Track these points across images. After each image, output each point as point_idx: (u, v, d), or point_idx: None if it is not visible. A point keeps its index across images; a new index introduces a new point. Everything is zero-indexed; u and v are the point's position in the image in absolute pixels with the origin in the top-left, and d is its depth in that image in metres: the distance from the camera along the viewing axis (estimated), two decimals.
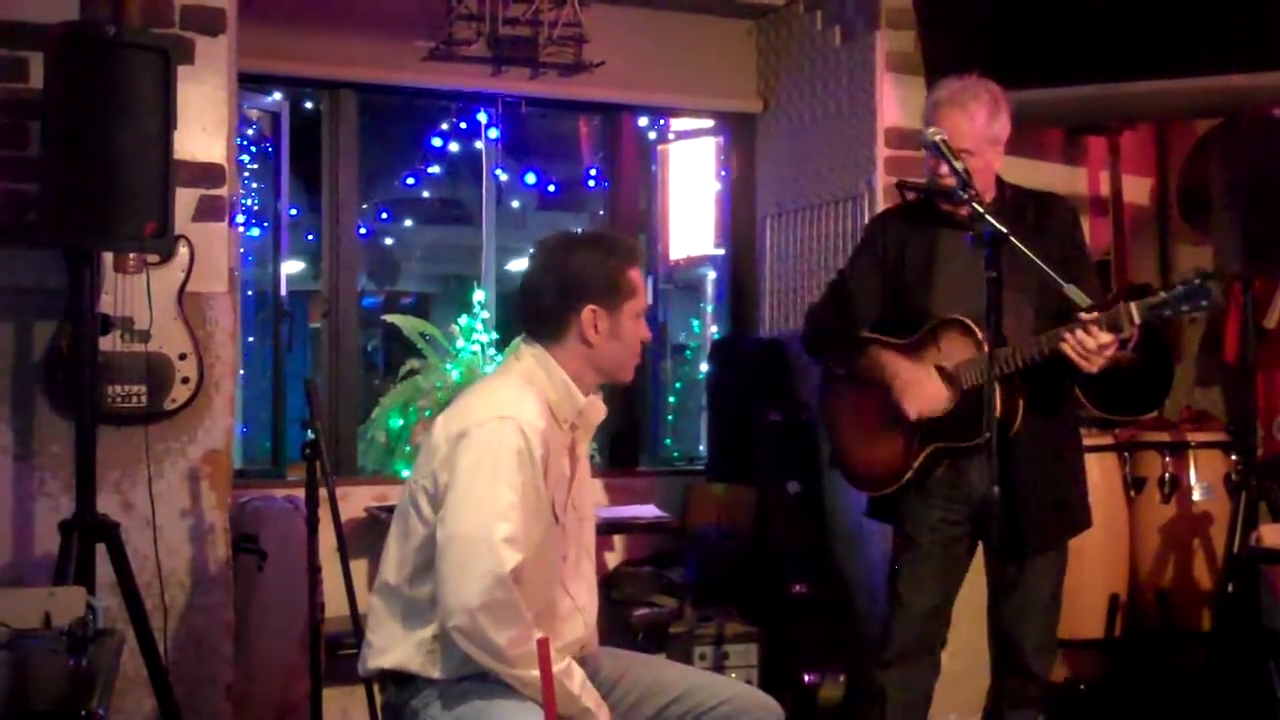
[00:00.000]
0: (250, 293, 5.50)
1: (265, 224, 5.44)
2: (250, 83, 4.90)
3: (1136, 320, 3.31)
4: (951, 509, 3.64)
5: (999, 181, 3.74)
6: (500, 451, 2.72)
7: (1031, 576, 3.62)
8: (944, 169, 3.38)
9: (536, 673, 2.60)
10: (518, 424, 2.74)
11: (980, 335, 3.48)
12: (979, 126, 3.59)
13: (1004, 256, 3.28)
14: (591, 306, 2.87)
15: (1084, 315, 3.32)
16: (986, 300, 3.22)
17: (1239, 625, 4.11)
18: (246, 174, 5.51)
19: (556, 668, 2.68)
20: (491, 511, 2.67)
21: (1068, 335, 3.34)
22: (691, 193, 6.13)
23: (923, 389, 3.57)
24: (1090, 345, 3.33)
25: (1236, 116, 4.56)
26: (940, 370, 3.58)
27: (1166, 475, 4.71)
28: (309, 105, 5.60)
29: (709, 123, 6.01)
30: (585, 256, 2.92)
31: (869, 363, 3.68)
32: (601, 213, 6.01)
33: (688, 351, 7.31)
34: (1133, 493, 4.76)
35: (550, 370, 2.89)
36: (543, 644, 2.36)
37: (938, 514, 3.65)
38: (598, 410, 3.02)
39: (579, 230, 5.39)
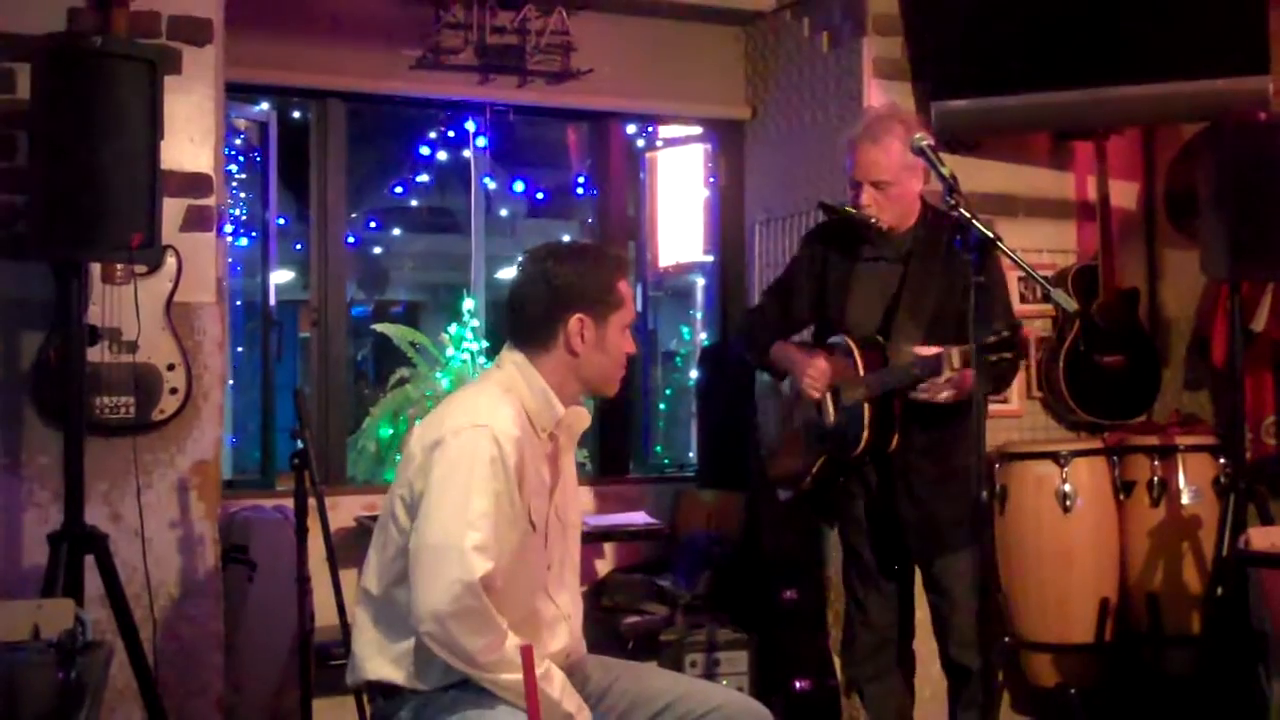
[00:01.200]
0: (239, 302, 5.51)
1: (254, 233, 5.45)
2: (238, 92, 4.90)
3: (956, 365, 3.52)
4: (871, 509, 3.87)
5: (923, 205, 3.87)
6: (474, 460, 2.71)
7: (946, 580, 3.78)
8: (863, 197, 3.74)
9: (512, 676, 2.63)
10: (491, 432, 2.74)
11: (859, 356, 3.73)
12: (894, 157, 3.73)
13: (907, 279, 3.75)
14: (579, 316, 2.87)
15: (923, 352, 3.60)
16: (880, 327, 3.74)
17: (1229, 628, 4.12)
18: (235, 184, 5.51)
19: (536, 672, 2.68)
20: (462, 520, 2.67)
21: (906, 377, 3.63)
22: (680, 200, 6.13)
23: (812, 364, 3.79)
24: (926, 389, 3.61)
25: (1222, 121, 4.57)
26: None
27: (1155, 479, 4.71)
28: (297, 115, 5.60)
29: (697, 130, 6.01)
30: (575, 266, 2.92)
31: (775, 356, 3.94)
32: (590, 220, 6.01)
33: (678, 358, 7.33)
34: (1122, 496, 4.76)
35: (530, 379, 2.89)
36: (526, 651, 2.36)
37: (861, 512, 3.87)
38: (580, 419, 3.02)
39: (568, 240, 5.40)
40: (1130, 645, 4.74)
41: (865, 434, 3.70)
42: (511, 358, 2.92)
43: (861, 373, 3.72)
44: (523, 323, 2.92)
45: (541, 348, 2.90)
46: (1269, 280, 4.69)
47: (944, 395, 3.61)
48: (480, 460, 2.71)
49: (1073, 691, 4.64)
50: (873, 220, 3.73)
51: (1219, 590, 4.24)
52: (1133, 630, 4.74)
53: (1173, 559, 4.65)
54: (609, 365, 2.93)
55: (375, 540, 2.89)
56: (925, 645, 4.01)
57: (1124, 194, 5.35)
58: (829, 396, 3.80)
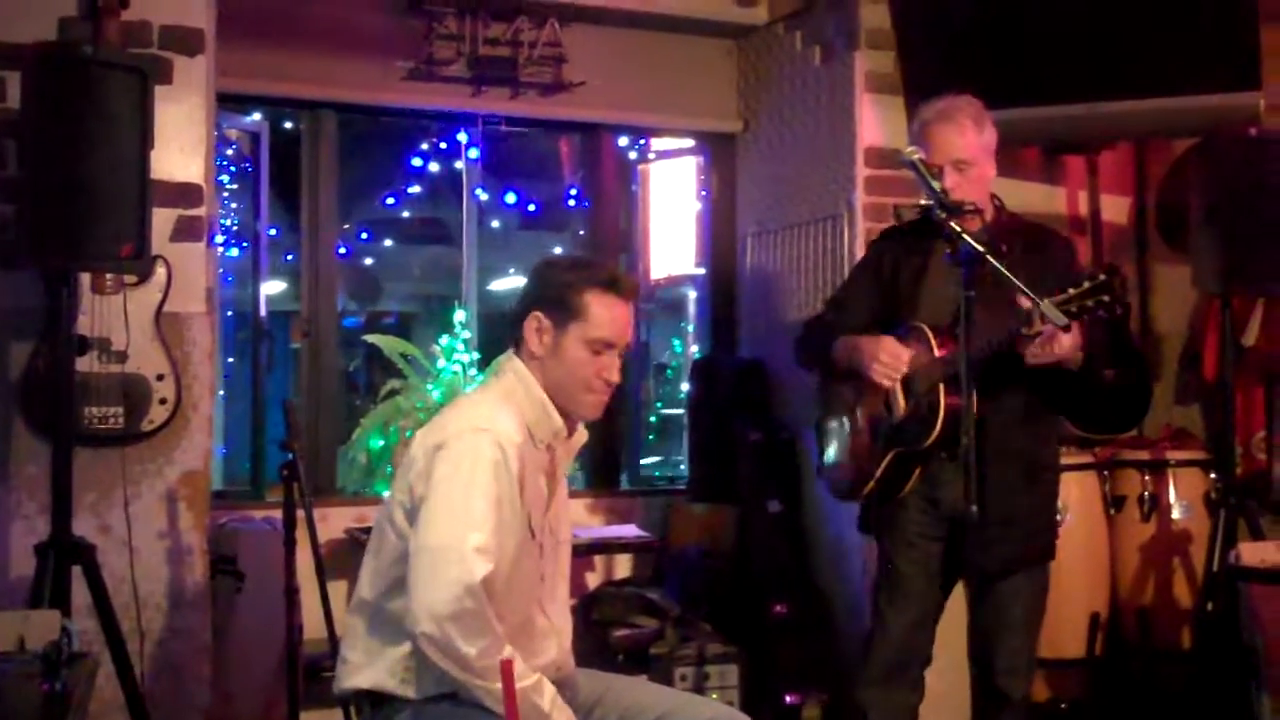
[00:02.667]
0: (230, 313, 5.50)
1: (245, 244, 5.44)
2: (230, 102, 4.90)
3: (1055, 314, 3.18)
4: (927, 524, 3.62)
5: (997, 204, 3.75)
6: (475, 463, 2.71)
7: (1002, 598, 3.56)
8: (948, 180, 3.42)
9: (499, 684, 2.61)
10: (494, 436, 2.74)
11: (934, 341, 3.51)
12: (970, 136, 3.60)
13: (985, 277, 3.25)
14: (536, 313, 2.88)
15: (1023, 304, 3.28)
16: (955, 317, 3.20)
17: (1219, 643, 4.11)
18: (226, 194, 5.51)
19: (526, 683, 2.68)
20: (464, 521, 2.67)
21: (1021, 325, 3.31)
22: (672, 212, 6.14)
23: (886, 351, 3.55)
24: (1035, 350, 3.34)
25: (1214, 136, 4.58)
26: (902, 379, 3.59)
27: (1146, 494, 4.72)
28: (289, 125, 5.60)
29: (689, 142, 6.02)
30: (549, 268, 2.97)
31: (839, 351, 3.70)
32: (582, 232, 6.01)
33: (669, 371, 7.31)
34: (1113, 511, 4.76)
35: (529, 388, 2.89)
36: (506, 665, 2.35)
37: (914, 529, 3.62)
38: (577, 436, 3.01)
39: (579, 253, 5.40)
40: (1121, 660, 4.74)
41: (940, 419, 3.45)
42: (513, 366, 2.92)
43: (937, 354, 3.50)
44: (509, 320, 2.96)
45: (517, 348, 2.91)
46: (1260, 295, 4.70)
47: (1045, 352, 3.32)
48: (482, 463, 2.71)
49: (1063, 706, 4.64)
50: (965, 204, 3.29)
51: (1209, 605, 4.23)
52: (1123, 645, 4.74)
53: (1163, 574, 4.65)
54: (568, 380, 2.88)
55: (371, 547, 2.88)
56: (948, 671, 3.85)
57: (1115, 209, 5.37)
58: (899, 386, 3.59)
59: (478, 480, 2.70)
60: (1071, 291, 3.26)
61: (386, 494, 2.92)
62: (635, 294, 3.00)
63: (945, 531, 3.61)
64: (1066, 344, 3.34)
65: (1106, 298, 3.20)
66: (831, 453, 3.83)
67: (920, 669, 3.70)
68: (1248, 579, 3.86)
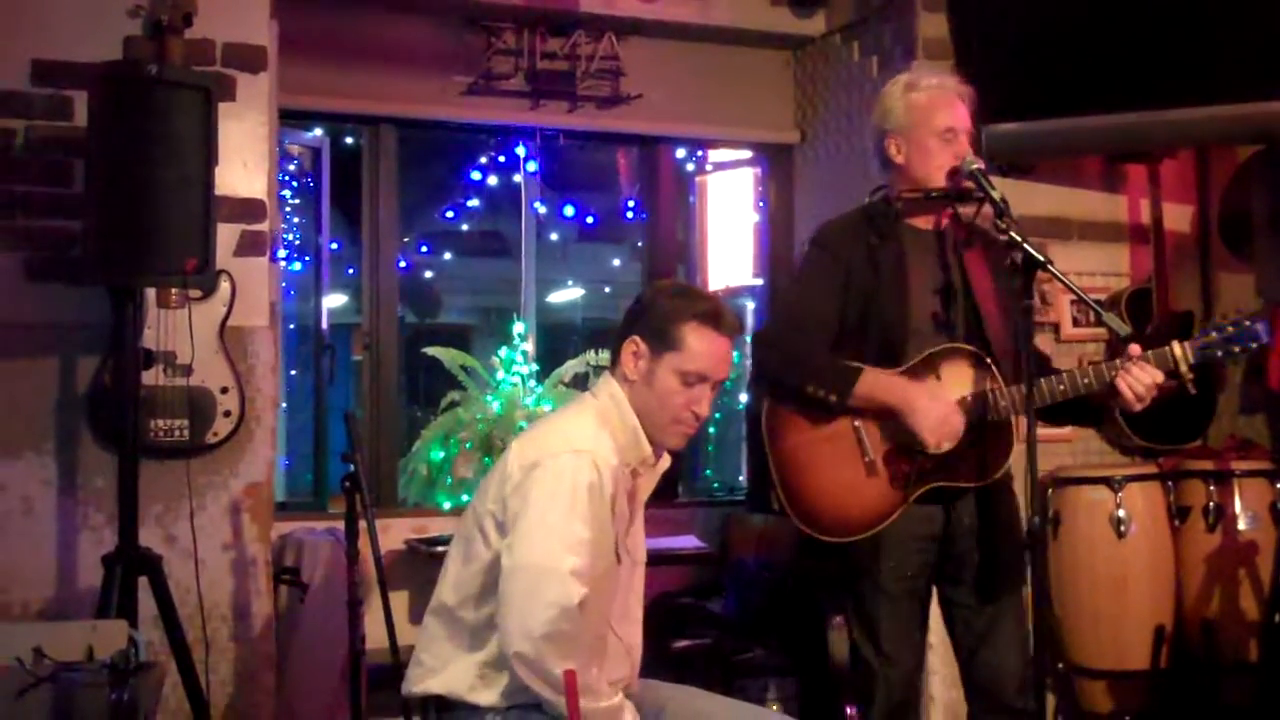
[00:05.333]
0: (292, 326, 5.56)
1: (307, 258, 5.49)
2: (291, 119, 4.97)
3: (1192, 360, 3.23)
4: (927, 555, 3.45)
5: None
6: (575, 485, 2.73)
7: (1005, 618, 3.45)
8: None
9: (592, 705, 2.62)
10: (592, 459, 2.76)
11: (994, 368, 3.36)
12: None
13: (965, 262, 3.36)
14: (635, 338, 2.89)
15: (1136, 352, 3.26)
16: (1018, 330, 3.21)
17: None
18: (288, 209, 5.56)
19: (611, 701, 2.72)
20: (563, 543, 2.68)
21: (1124, 373, 3.24)
22: (730, 224, 6.14)
23: (945, 418, 3.32)
24: (1146, 383, 3.24)
25: (1277, 143, 4.53)
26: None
27: (1211, 504, 4.64)
28: (349, 140, 5.66)
29: (747, 154, 6.02)
30: (660, 295, 2.96)
31: (866, 389, 3.34)
32: (640, 244, 6.03)
33: (728, 382, 7.30)
34: (1177, 522, 4.70)
35: (623, 413, 2.89)
36: (570, 676, 2.37)
37: (914, 560, 3.42)
38: (664, 462, 3.02)
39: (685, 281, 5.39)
40: (1186, 673, 4.67)
41: (997, 454, 3.34)
42: (609, 388, 2.92)
43: (991, 385, 3.34)
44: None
45: (614, 368, 2.92)
46: None
47: (1148, 400, 3.25)
48: (581, 486, 2.73)
49: (1127, 719, 4.59)
50: (999, 219, 3.22)
51: (1277, 618, 4.17)
52: (1189, 657, 4.67)
53: (1229, 585, 4.58)
54: (657, 408, 2.87)
55: (454, 553, 2.90)
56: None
57: (1178, 217, 5.30)
58: None
59: (577, 503, 2.72)
60: (1214, 335, 3.26)
61: (472, 502, 2.93)
62: (738, 330, 2.95)
63: (935, 559, 3.46)
64: (1161, 378, 3.26)
65: (1253, 344, 3.21)
66: (822, 486, 3.42)
67: (917, 702, 3.57)
68: None
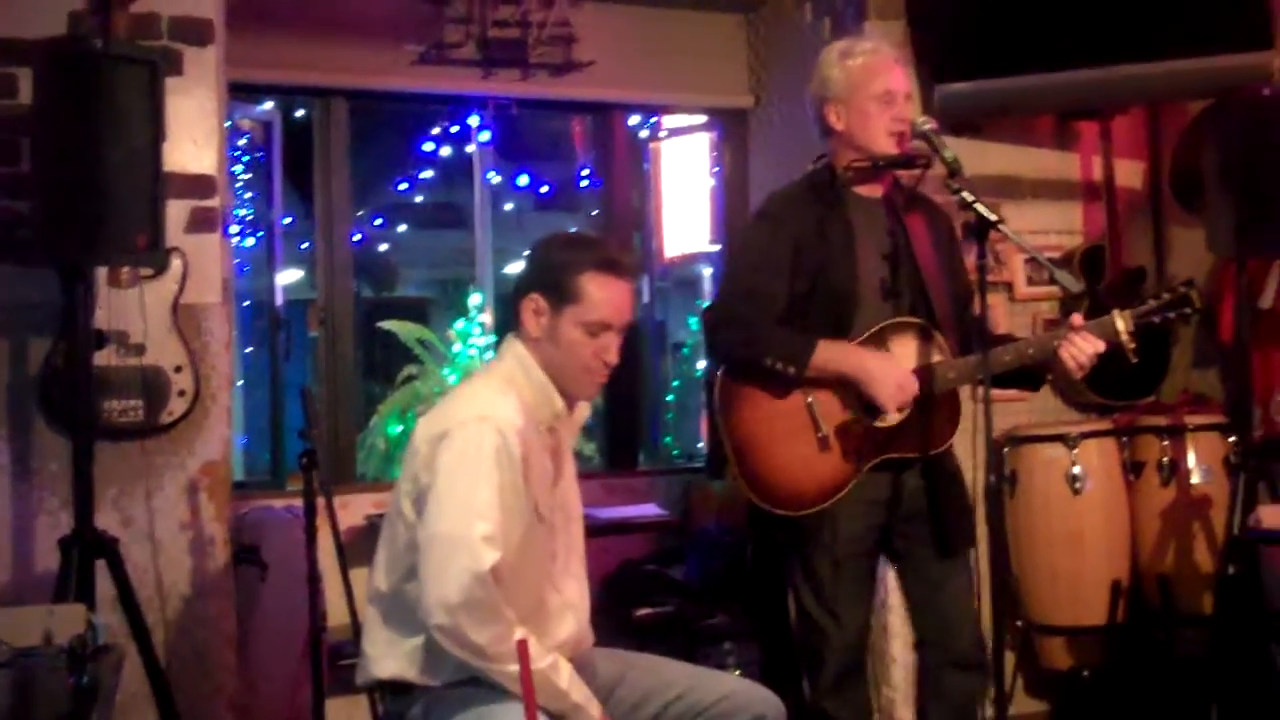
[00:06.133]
0: (246, 303, 5.51)
1: (260, 233, 5.45)
2: (240, 92, 4.91)
3: (1131, 328, 3.34)
4: (873, 519, 3.50)
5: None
6: (479, 451, 2.73)
7: (957, 573, 3.52)
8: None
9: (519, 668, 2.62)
10: (495, 424, 2.75)
11: (942, 339, 3.43)
12: None
13: (908, 230, 3.44)
14: (533, 295, 2.88)
15: (1077, 323, 3.34)
16: (980, 293, 3.26)
17: (1241, 608, 4.11)
18: (239, 184, 5.52)
19: (543, 663, 2.70)
20: (470, 510, 2.68)
21: (1067, 343, 3.33)
22: (686, 190, 6.14)
23: (901, 383, 3.37)
24: (1089, 352, 3.32)
25: (1227, 97, 4.56)
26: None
27: (1165, 459, 4.69)
28: (300, 113, 5.61)
29: (701, 119, 6.00)
30: (551, 249, 2.96)
31: (823, 360, 3.38)
32: (595, 212, 6.01)
33: (685, 349, 7.31)
34: (1132, 477, 4.74)
35: (529, 371, 2.89)
36: (521, 645, 2.37)
37: (860, 524, 3.47)
38: (580, 412, 3.02)
39: (583, 231, 5.38)
40: (1142, 627, 4.73)
41: (950, 425, 3.44)
42: (513, 349, 2.92)
43: (939, 357, 3.42)
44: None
45: (518, 331, 2.91)
46: (1276, 256, 4.67)
47: (1090, 362, 3.34)
48: (485, 452, 2.72)
49: (1085, 674, 4.64)
50: (952, 179, 3.26)
51: (1230, 570, 4.22)
52: (1145, 612, 4.74)
53: (1184, 539, 4.63)
54: (566, 362, 2.87)
55: (383, 537, 2.90)
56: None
57: (1129, 173, 5.34)
58: None
59: (482, 469, 2.72)
60: (1152, 303, 3.37)
61: (396, 482, 2.93)
62: (634, 272, 2.97)
63: (883, 523, 3.52)
64: (1103, 347, 3.35)
65: (1188, 310, 3.33)
66: (774, 459, 3.45)
67: (864, 660, 3.63)
68: (1268, 542, 3.86)
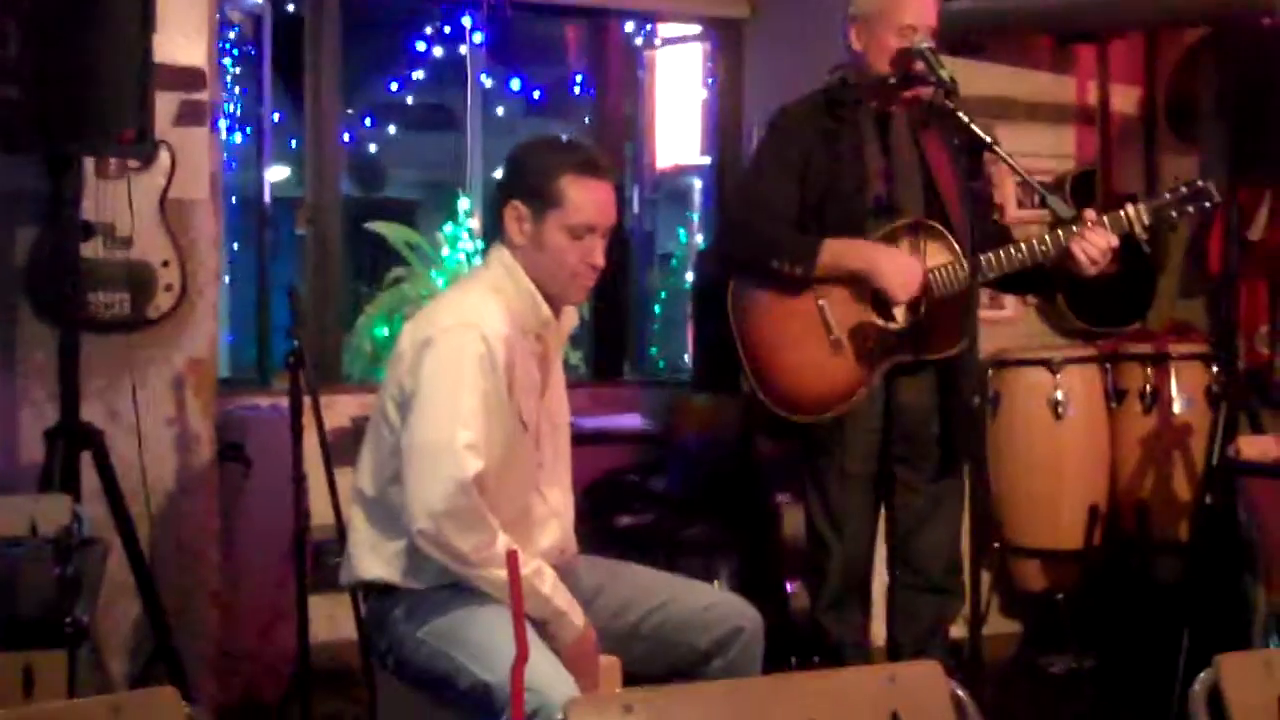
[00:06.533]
0: (234, 199, 5.45)
1: (248, 129, 5.39)
2: None
3: (1146, 221, 3.33)
4: (870, 441, 3.50)
5: None
6: (462, 358, 2.72)
7: (948, 499, 3.54)
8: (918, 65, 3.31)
9: (503, 573, 2.61)
10: (480, 331, 2.74)
11: (954, 242, 3.42)
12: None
13: (929, 149, 3.40)
14: (514, 203, 2.86)
15: (1090, 217, 3.32)
16: (968, 208, 3.32)
17: (1216, 537, 4.15)
18: (229, 78, 5.44)
19: (527, 570, 2.69)
20: (453, 418, 2.68)
21: (1079, 237, 3.30)
22: (679, 100, 6.07)
23: (908, 269, 3.38)
24: (1101, 246, 3.31)
25: (1226, 26, 4.52)
26: None
27: (1148, 387, 4.71)
28: (292, 7, 5.51)
29: (696, 28, 5.93)
30: (531, 154, 2.92)
31: (830, 256, 3.38)
32: (588, 120, 5.95)
33: (674, 261, 7.27)
34: (1114, 404, 4.76)
35: (517, 279, 2.87)
36: (511, 556, 2.38)
37: (873, 438, 3.49)
38: (567, 319, 3.02)
39: (561, 134, 5.34)
40: (1118, 552, 4.78)
41: (960, 326, 3.36)
42: (500, 257, 2.91)
43: (950, 258, 3.39)
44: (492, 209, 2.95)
45: (502, 238, 2.89)
46: (1267, 187, 4.67)
47: (1102, 265, 3.32)
48: (469, 358, 2.72)
49: (1059, 597, 4.70)
50: (948, 99, 3.22)
51: (1208, 499, 4.25)
52: (1122, 537, 4.78)
53: (1163, 467, 4.67)
54: (552, 267, 2.85)
55: (368, 440, 2.91)
56: None
57: (1125, 99, 5.30)
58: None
59: (465, 376, 2.71)
60: (1168, 196, 3.35)
61: (380, 386, 2.93)
62: (614, 173, 2.95)
63: (881, 444, 3.52)
64: (1116, 241, 3.33)
65: (1208, 203, 3.32)
66: (788, 365, 3.47)
67: (868, 584, 3.66)
68: (1246, 473, 3.88)
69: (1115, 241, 3.32)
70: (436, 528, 2.65)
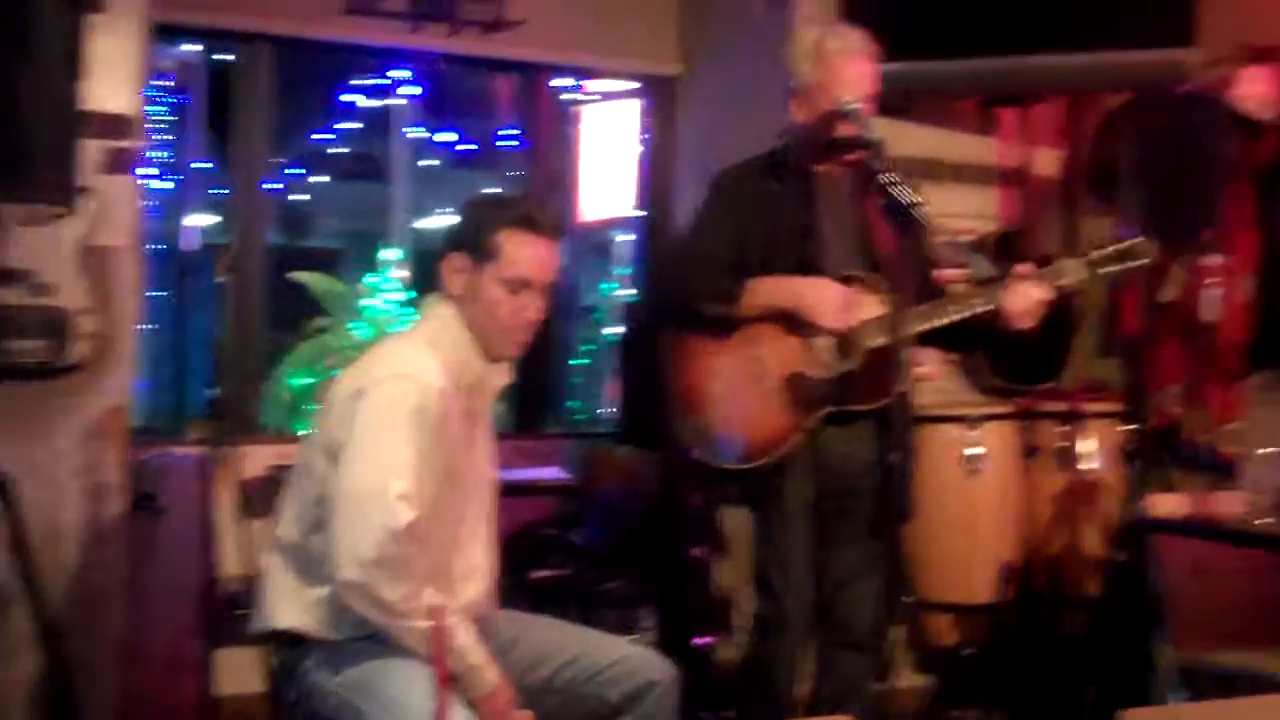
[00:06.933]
0: (156, 246, 5.43)
1: (175, 176, 5.38)
2: (165, 33, 4.83)
3: (1082, 275, 3.42)
4: (807, 488, 3.53)
5: None
6: (397, 409, 2.74)
7: (876, 556, 3.58)
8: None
9: (424, 626, 2.64)
10: (415, 382, 2.77)
11: (891, 295, 3.40)
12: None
13: (863, 213, 3.46)
14: (454, 254, 2.89)
15: (1023, 270, 3.40)
16: (906, 268, 3.29)
17: (1125, 592, 4.21)
18: (157, 126, 5.43)
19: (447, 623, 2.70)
20: (387, 467, 2.69)
21: (1013, 289, 3.38)
22: (610, 154, 6.12)
23: (840, 299, 3.42)
24: (1035, 298, 3.38)
25: (1144, 92, 4.63)
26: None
27: (1061, 444, 4.77)
28: (224, 57, 5.52)
29: (630, 84, 5.99)
30: (474, 208, 2.98)
31: (758, 296, 3.44)
32: (518, 173, 5.99)
33: (597, 314, 7.30)
34: (1028, 461, 4.82)
35: (453, 331, 2.90)
36: (437, 612, 2.40)
37: (796, 497, 3.51)
38: (499, 375, 3.03)
39: (504, 191, 5.36)
40: (1029, 607, 4.82)
41: (890, 378, 3.35)
42: (437, 310, 2.93)
43: (885, 311, 3.39)
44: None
45: (441, 290, 2.92)
46: (1180, 251, 4.76)
47: (1035, 317, 3.40)
48: (403, 410, 2.73)
49: (970, 651, 4.73)
50: (875, 161, 3.28)
51: (1118, 555, 4.32)
52: (1033, 592, 4.82)
53: (1074, 524, 4.71)
54: (487, 321, 2.89)
55: (291, 487, 2.90)
56: None
57: (1046, 161, 5.42)
58: (835, 342, 3.49)
59: (399, 427, 2.73)
60: (1110, 250, 3.43)
61: (307, 434, 2.93)
62: (555, 231, 2.97)
63: (817, 493, 3.54)
64: (1049, 294, 3.42)
65: (1145, 260, 3.42)
66: (722, 414, 3.50)
67: (815, 626, 3.67)
68: (1156, 531, 3.94)
69: (1048, 294, 3.38)
70: (365, 576, 2.65)
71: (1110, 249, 3.45)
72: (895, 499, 3.45)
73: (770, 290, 3.45)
